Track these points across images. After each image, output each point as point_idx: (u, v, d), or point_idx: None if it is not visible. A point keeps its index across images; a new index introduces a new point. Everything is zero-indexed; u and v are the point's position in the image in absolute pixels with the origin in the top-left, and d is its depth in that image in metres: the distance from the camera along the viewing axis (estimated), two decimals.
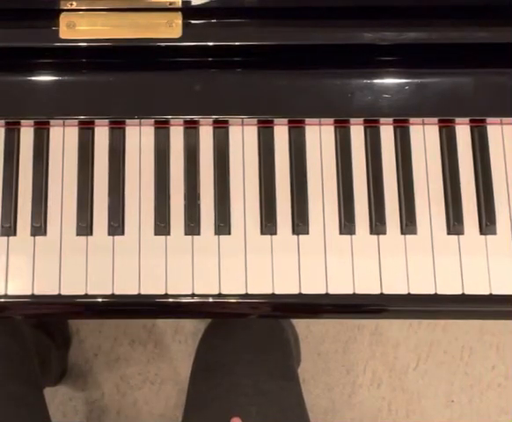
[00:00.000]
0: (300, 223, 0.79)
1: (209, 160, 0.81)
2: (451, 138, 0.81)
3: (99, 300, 0.78)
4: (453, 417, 1.53)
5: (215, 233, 0.79)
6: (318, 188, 0.80)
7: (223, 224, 0.78)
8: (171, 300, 0.78)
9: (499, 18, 0.77)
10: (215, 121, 0.81)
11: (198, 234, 0.79)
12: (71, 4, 0.76)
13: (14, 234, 0.78)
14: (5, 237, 0.78)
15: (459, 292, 0.78)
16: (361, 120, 0.81)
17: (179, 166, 0.80)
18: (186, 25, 0.77)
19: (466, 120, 0.81)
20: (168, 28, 0.77)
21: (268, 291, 0.78)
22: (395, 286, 0.78)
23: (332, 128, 0.81)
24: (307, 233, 0.79)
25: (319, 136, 0.81)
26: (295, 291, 0.78)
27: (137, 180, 0.80)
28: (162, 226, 0.78)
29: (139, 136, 0.81)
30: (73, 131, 0.81)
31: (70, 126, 0.81)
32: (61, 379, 1.47)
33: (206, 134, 0.81)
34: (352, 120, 0.81)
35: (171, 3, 0.77)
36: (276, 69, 0.80)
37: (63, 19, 0.77)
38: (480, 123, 0.81)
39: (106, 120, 0.81)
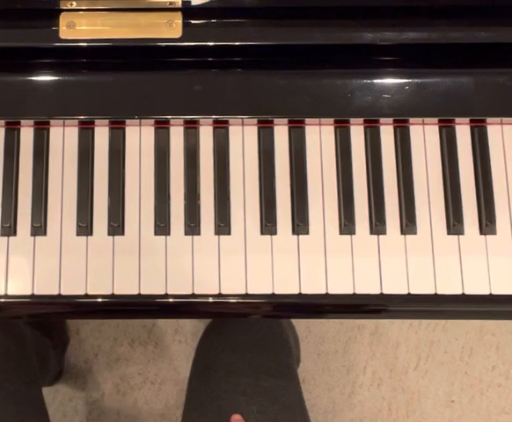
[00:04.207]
0: (300, 223, 0.79)
1: (209, 160, 0.81)
2: (451, 138, 0.81)
3: (99, 300, 0.78)
4: (453, 417, 1.53)
5: (215, 233, 0.79)
6: (318, 188, 0.80)
7: (223, 224, 0.78)
8: (171, 300, 0.78)
9: (499, 18, 0.78)
10: (215, 121, 0.81)
11: (198, 234, 0.79)
12: (71, 4, 0.76)
13: (14, 234, 0.78)
14: (5, 237, 0.78)
15: (459, 292, 0.78)
16: (361, 120, 0.81)
17: (179, 166, 0.80)
18: (186, 25, 0.77)
19: (466, 120, 0.81)
20: (168, 28, 0.77)
21: (268, 291, 0.78)
22: (395, 286, 0.78)
23: (332, 128, 0.81)
24: (307, 233, 0.79)
25: (319, 136, 0.81)
26: (295, 291, 0.78)
27: (137, 180, 0.80)
28: (162, 226, 0.78)
29: (139, 136, 0.81)
30: (73, 131, 0.81)
31: (70, 126, 0.81)
32: (58, 379, 1.47)
33: (206, 134, 0.81)
34: (352, 120, 0.81)
35: (171, 3, 0.77)
36: (276, 69, 0.80)
37: (63, 19, 0.77)
38: (480, 123, 0.81)
39: (106, 120, 0.81)
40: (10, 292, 0.77)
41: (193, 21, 0.77)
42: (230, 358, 1.00)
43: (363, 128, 0.81)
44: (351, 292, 0.78)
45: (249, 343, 1.03)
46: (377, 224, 0.79)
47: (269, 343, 1.04)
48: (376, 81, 0.80)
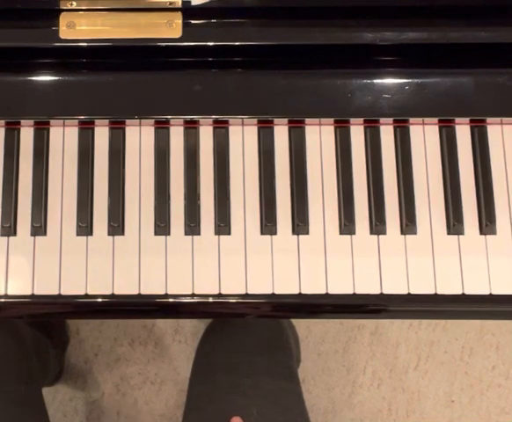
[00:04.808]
0: (300, 223, 0.79)
1: (209, 160, 0.81)
2: (451, 138, 0.81)
3: (99, 300, 0.78)
4: (453, 417, 1.53)
5: (215, 233, 0.79)
6: (318, 188, 0.80)
7: (223, 224, 0.78)
8: (171, 300, 0.78)
9: (499, 17, 0.78)
10: (215, 121, 0.81)
11: (198, 234, 0.79)
12: (71, 4, 0.76)
13: (14, 234, 0.78)
14: (5, 237, 0.78)
15: (459, 292, 0.78)
16: (361, 119, 0.81)
17: (179, 166, 0.80)
18: (186, 25, 0.77)
19: (466, 120, 0.81)
20: (168, 28, 0.77)
21: (268, 291, 0.78)
22: (395, 286, 0.78)
23: (332, 128, 0.81)
24: (307, 233, 0.79)
25: (319, 136, 0.81)
26: (295, 291, 0.78)
27: (137, 180, 0.80)
28: (162, 226, 0.78)
29: (139, 136, 0.81)
30: (73, 131, 0.81)
31: (70, 126, 0.81)
32: (58, 379, 1.47)
33: (206, 134, 0.81)
34: (352, 120, 0.81)
35: (171, 3, 0.77)
36: (276, 69, 0.80)
37: (63, 19, 0.77)
38: (480, 123, 0.81)
39: (106, 120, 0.81)
40: (11, 292, 0.77)
41: (193, 21, 0.77)
42: (231, 359, 1.00)
43: (363, 128, 0.81)
44: (351, 292, 0.78)
45: (249, 344, 1.03)
46: (377, 224, 0.79)
47: (270, 344, 1.04)
48: (376, 81, 0.80)
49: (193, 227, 0.78)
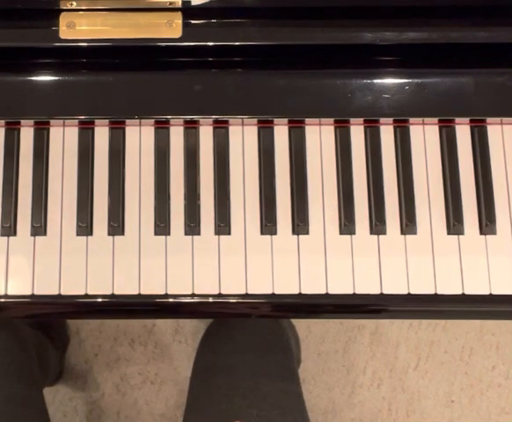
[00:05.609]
0: (300, 223, 0.79)
1: (209, 160, 0.81)
2: (451, 138, 0.81)
3: (99, 300, 0.78)
4: (453, 417, 1.53)
5: (215, 233, 0.79)
6: (318, 188, 0.80)
7: (223, 224, 0.78)
8: (171, 300, 0.78)
9: (499, 17, 0.78)
10: (215, 121, 0.81)
11: (198, 234, 0.79)
12: (71, 4, 0.77)
13: (14, 234, 0.78)
14: (5, 237, 0.78)
15: (459, 292, 0.78)
16: (361, 120, 0.81)
17: (179, 166, 0.80)
18: (186, 25, 0.77)
19: (466, 120, 0.81)
20: (168, 28, 0.77)
21: (268, 291, 0.78)
22: (395, 286, 0.78)
23: (332, 128, 0.81)
24: (307, 233, 0.79)
25: (319, 136, 0.81)
26: (295, 291, 0.78)
27: (137, 180, 0.80)
28: (162, 226, 0.78)
29: (139, 136, 0.81)
30: (73, 131, 0.81)
31: (70, 126, 0.81)
32: (58, 379, 1.47)
33: (206, 134, 0.81)
34: (352, 120, 0.81)
35: (171, 3, 0.77)
36: (276, 69, 0.80)
37: (63, 19, 0.77)
38: (480, 123, 0.81)
39: (106, 120, 0.81)
40: (11, 292, 0.77)
41: (193, 21, 0.77)
42: (231, 361, 1.00)
43: (363, 128, 0.81)
44: (351, 292, 0.78)
45: (249, 345, 1.02)
46: (377, 224, 0.79)
47: (270, 345, 1.04)
48: (376, 81, 0.80)
49: (193, 227, 0.78)
